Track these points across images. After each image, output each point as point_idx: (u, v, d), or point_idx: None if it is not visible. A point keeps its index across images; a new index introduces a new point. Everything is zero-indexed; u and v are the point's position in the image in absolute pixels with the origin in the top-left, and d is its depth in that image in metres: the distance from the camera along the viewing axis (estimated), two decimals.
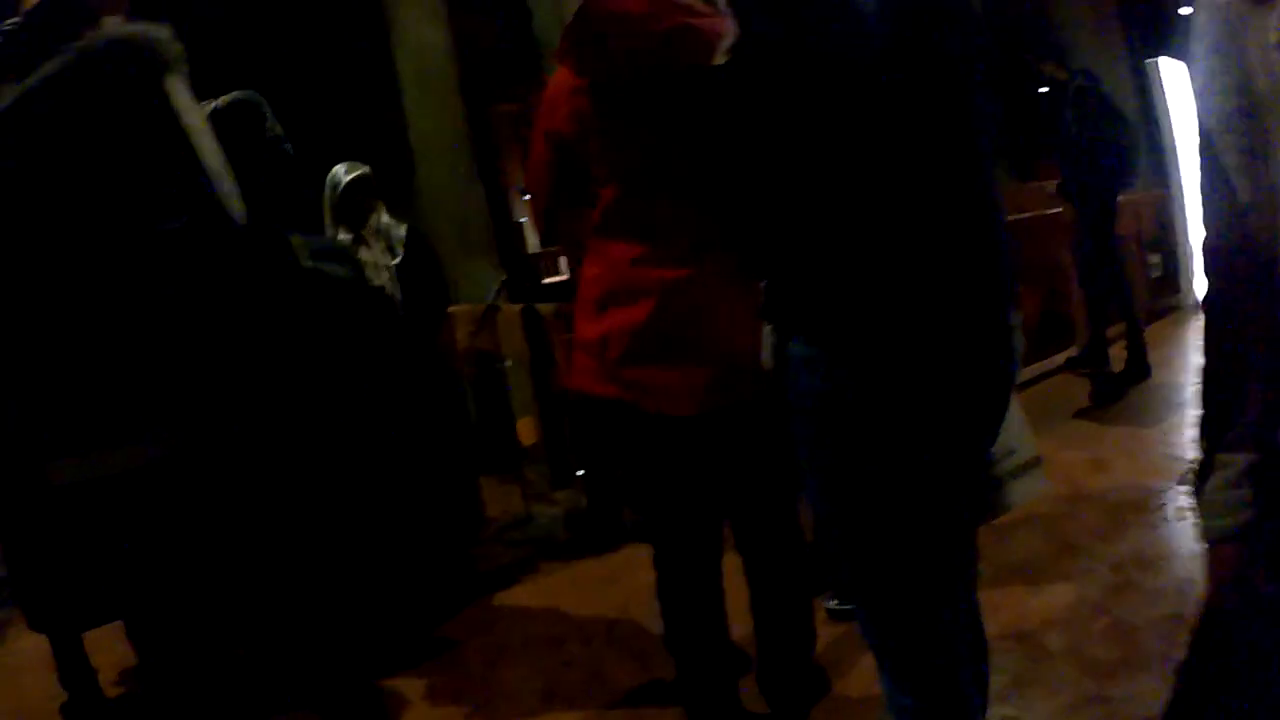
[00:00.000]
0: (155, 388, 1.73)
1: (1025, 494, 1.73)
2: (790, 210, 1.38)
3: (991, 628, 2.05)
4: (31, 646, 3.84)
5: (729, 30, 1.39)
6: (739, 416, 2.11)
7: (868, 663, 2.47)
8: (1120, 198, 5.22)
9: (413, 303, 3.67)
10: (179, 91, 1.71)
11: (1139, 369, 5.20)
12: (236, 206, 1.75)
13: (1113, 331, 5.39)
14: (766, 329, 1.56)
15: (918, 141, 1.31)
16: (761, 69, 1.35)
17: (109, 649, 3.48)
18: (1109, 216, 5.10)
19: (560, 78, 2.16)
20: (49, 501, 2.01)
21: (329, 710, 2.37)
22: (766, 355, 1.58)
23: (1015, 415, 1.58)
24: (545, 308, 4.48)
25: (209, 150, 1.74)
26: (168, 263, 1.71)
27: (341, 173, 3.59)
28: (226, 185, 1.74)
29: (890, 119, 1.29)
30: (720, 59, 1.41)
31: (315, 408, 2.64)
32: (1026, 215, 5.82)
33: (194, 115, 1.75)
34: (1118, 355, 5.24)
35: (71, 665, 3.27)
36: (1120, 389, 5.03)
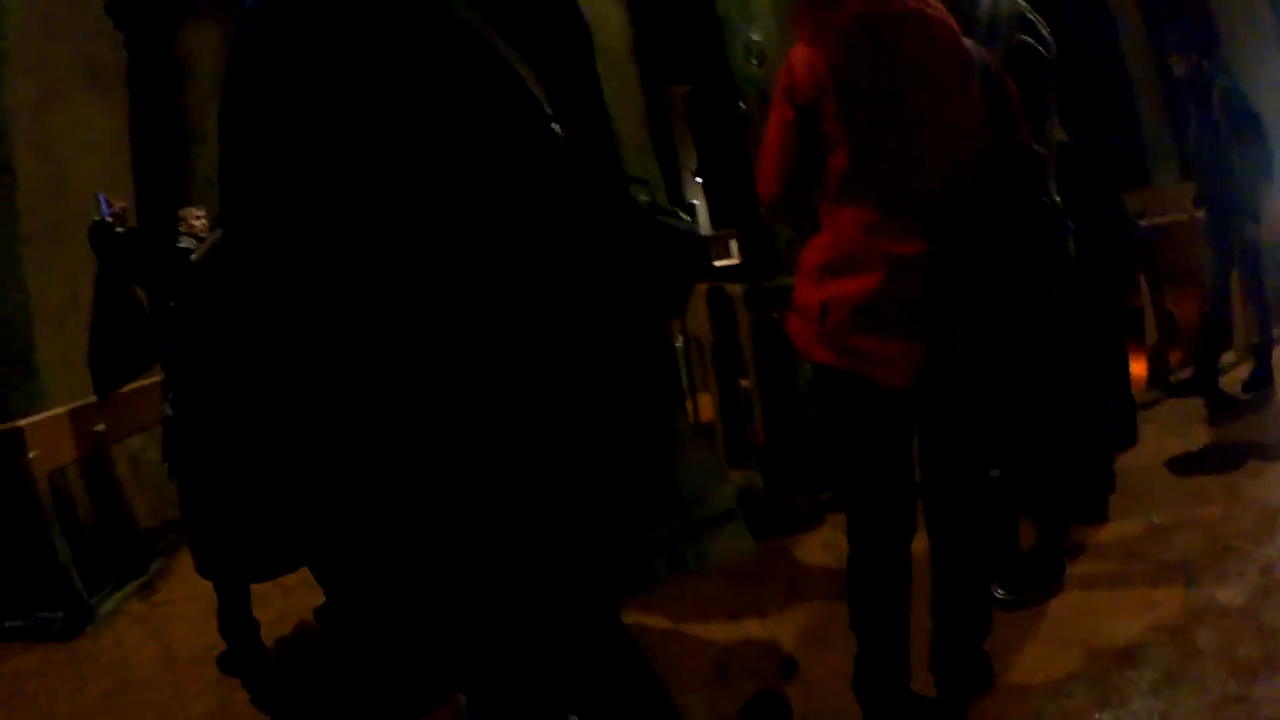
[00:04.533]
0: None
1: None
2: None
3: (1146, 623, 2.23)
4: (184, 597, 3.91)
5: None
6: (945, 395, 2.25)
7: (1031, 652, 2.69)
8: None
9: None
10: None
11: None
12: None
13: None
14: None
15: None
16: None
17: (265, 604, 3.55)
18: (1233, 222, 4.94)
19: (799, 47, 2.21)
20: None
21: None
22: None
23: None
24: (734, 288, 4.50)
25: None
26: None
27: None
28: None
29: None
30: None
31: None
32: (1172, 219, 5.69)
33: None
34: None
35: (235, 616, 3.24)
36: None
